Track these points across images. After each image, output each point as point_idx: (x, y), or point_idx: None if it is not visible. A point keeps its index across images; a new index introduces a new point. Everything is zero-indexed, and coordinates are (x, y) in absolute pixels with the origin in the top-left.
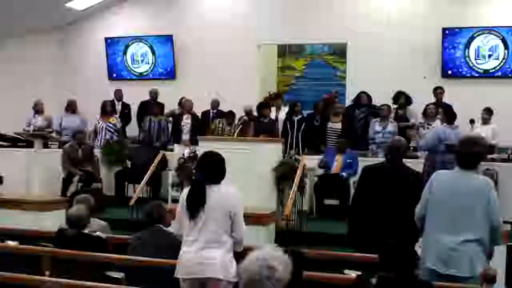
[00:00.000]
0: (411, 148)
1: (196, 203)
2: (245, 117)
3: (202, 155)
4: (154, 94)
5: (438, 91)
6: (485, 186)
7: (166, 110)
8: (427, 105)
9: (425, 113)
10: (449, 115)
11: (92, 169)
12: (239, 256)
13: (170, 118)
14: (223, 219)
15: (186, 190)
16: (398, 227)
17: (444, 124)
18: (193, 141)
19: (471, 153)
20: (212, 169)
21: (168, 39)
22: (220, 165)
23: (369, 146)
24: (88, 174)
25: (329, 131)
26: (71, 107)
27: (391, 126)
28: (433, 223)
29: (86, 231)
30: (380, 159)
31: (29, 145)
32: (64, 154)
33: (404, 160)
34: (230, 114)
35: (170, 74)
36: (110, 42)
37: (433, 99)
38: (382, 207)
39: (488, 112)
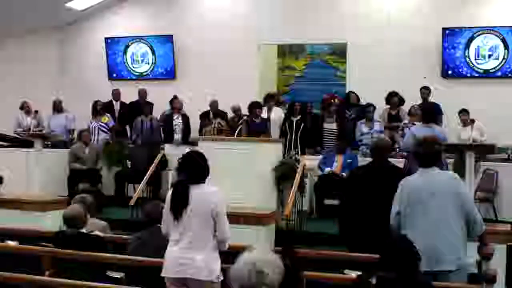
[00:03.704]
0: (397, 148)
1: (179, 203)
2: (245, 117)
3: (184, 155)
4: (143, 94)
5: (423, 91)
6: (452, 179)
7: (162, 109)
8: (412, 105)
9: (409, 113)
10: (425, 114)
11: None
12: (228, 255)
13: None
14: (206, 219)
15: (170, 191)
16: (387, 226)
17: (420, 123)
18: (185, 142)
19: (429, 153)
20: (194, 169)
21: (168, 39)
22: (201, 164)
23: (359, 147)
24: (94, 174)
25: (325, 132)
26: (56, 107)
27: (378, 126)
28: (410, 224)
29: (84, 230)
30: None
31: (29, 145)
32: (71, 153)
33: (390, 159)
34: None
35: (170, 74)
36: (110, 42)
37: (433, 99)
38: (370, 206)
39: (465, 112)
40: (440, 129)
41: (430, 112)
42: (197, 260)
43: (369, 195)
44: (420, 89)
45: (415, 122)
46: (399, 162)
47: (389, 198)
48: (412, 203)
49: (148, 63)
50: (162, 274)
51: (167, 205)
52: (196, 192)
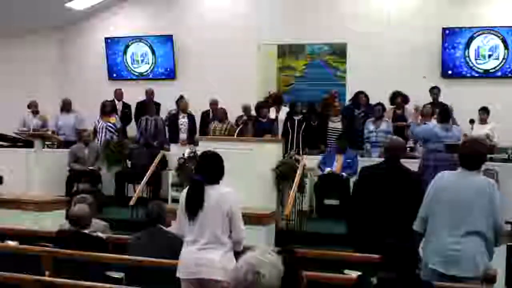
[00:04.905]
0: (408, 148)
1: (195, 203)
2: (245, 117)
3: (201, 155)
4: (150, 94)
5: (434, 91)
6: (488, 185)
7: (162, 110)
8: (424, 105)
9: (421, 112)
10: (442, 115)
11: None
12: (240, 255)
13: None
14: (222, 220)
15: (185, 190)
16: (397, 227)
17: (434, 122)
18: (190, 141)
19: (474, 154)
20: (210, 169)
21: (168, 39)
22: (218, 165)
23: (364, 145)
24: (94, 174)
25: (329, 131)
26: (66, 106)
27: (385, 125)
28: (435, 223)
29: (86, 231)
30: (374, 158)
31: (29, 145)
32: (71, 153)
33: (402, 160)
34: (223, 113)
35: (170, 74)
36: (110, 42)
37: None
38: (381, 207)
39: (485, 111)
40: (457, 128)
41: (447, 113)
42: (213, 260)
43: (379, 196)
44: (430, 89)
45: (426, 122)
46: (412, 163)
47: (399, 199)
48: (439, 200)
49: (148, 63)
50: (178, 275)
51: (181, 205)
52: (211, 193)
